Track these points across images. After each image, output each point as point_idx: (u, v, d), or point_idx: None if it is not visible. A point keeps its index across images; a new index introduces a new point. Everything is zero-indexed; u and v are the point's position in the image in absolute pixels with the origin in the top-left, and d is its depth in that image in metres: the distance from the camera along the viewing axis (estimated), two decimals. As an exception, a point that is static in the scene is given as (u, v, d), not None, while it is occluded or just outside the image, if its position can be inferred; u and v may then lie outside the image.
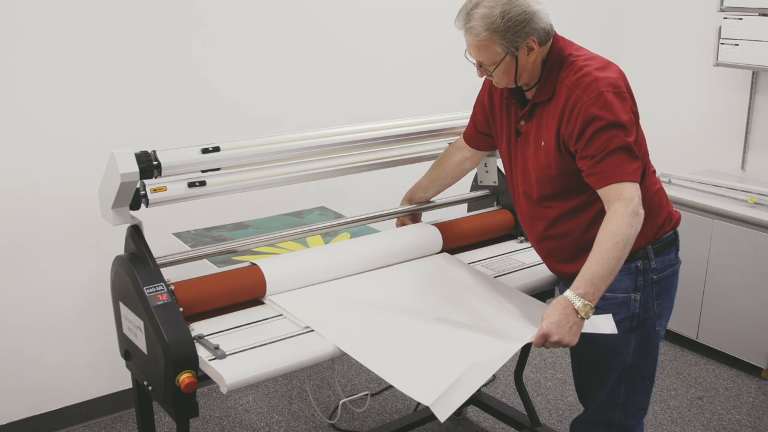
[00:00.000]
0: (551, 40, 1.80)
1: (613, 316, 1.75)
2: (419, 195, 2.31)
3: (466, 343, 1.75)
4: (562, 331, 1.62)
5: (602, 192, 1.72)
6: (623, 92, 1.74)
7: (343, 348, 1.72)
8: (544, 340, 1.64)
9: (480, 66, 1.81)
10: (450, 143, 2.29)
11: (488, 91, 2.01)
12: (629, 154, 1.71)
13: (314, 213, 2.75)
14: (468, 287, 2.04)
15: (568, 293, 1.66)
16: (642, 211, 1.70)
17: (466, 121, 2.18)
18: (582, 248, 1.87)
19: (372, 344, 1.75)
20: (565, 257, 1.93)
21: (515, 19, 1.70)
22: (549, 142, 1.80)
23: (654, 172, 1.91)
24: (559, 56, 1.79)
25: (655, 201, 1.87)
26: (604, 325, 1.70)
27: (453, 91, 3.38)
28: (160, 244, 1.91)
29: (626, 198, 1.68)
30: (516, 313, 1.89)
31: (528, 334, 1.72)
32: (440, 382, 1.58)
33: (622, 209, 1.67)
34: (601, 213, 1.80)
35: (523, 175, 1.92)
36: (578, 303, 1.63)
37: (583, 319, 1.65)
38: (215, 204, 1.99)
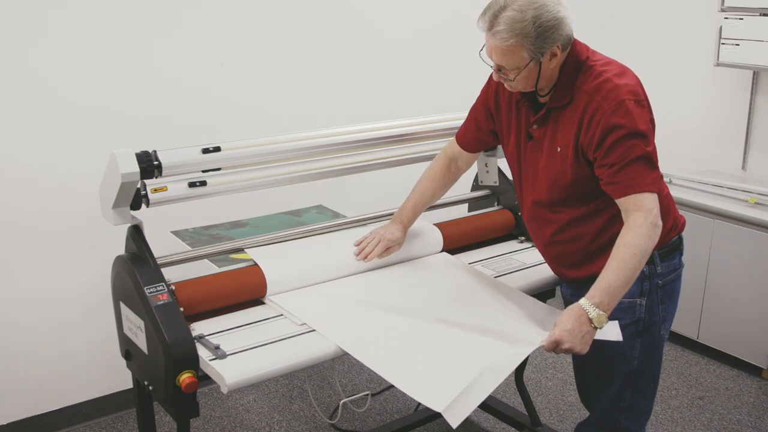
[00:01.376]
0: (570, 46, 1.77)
1: (619, 321, 1.73)
2: (417, 213, 2.15)
3: (475, 347, 1.73)
4: (574, 340, 1.62)
5: (621, 202, 1.70)
6: (642, 100, 1.72)
7: (352, 352, 1.70)
8: (555, 347, 1.63)
9: (499, 69, 1.76)
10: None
11: (494, 89, 1.96)
12: (648, 164, 1.69)
13: (311, 212, 2.75)
14: (470, 288, 2.03)
15: (583, 302, 1.64)
16: (660, 222, 1.69)
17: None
18: (590, 253, 1.86)
19: (380, 347, 1.74)
20: (572, 262, 1.92)
21: (546, 24, 1.66)
22: (566, 148, 1.77)
23: (661, 177, 1.89)
24: (576, 61, 1.76)
25: (663, 207, 1.83)
26: (610, 332, 1.69)
27: (453, 92, 3.38)
28: (158, 242, 1.90)
29: (646, 209, 1.67)
30: (522, 316, 1.88)
31: (538, 338, 1.71)
32: (451, 388, 1.57)
33: (641, 220, 1.66)
34: (612, 219, 1.79)
35: (533, 180, 1.89)
36: (593, 313, 1.63)
37: (596, 328, 1.64)
38: (213, 202, 1.99)
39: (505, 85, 1.81)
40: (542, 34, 1.67)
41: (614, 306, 1.66)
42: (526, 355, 1.67)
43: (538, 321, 1.84)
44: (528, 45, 1.68)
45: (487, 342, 1.75)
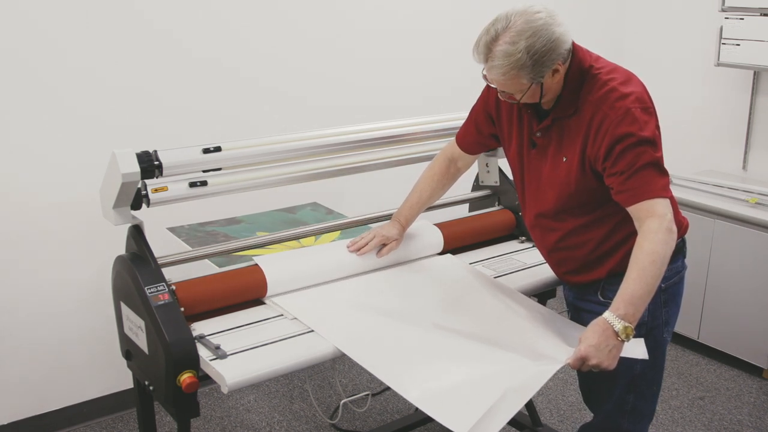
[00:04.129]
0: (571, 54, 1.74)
1: None
2: (415, 213, 2.14)
3: (498, 364, 1.68)
4: (601, 355, 1.57)
5: (633, 209, 1.67)
6: (649, 107, 1.70)
7: (372, 370, 1.66)
8: (582, 363, 1.59)
9: (502, 91, 1.75)
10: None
11: (495, 94, 1.91)
12: (658, 170, 1.67)
13: (306, 209, 2.76)
14: (480, 296, 2.00)
15: (607, 315, 1.60)
16: (675, 228, 1.66)
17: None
18: (594, 260, 1.85)
19: (394, 358, 1.70)
20: (575, 267, 1.90)
21: (541, 51, 1.62)
22: (572, 159, 1.76)
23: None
24: (579, 69, 1.73)
25: None
26: (635, 349, 1.65)
27: (453, 91, 3.39)
28: (154, 239, 1.89)
29: (659, 214, 1.64)
30: (542, 328, 1.85)
31: (563, 355, 1.67)
32: (474, 409, 1.51)
33: (656, 226, 1.63)
34: (617, 226, 1.78)
35: (536, 188, 1.88)
36: (618, 325, 1.58)
37: (622, 341, 1.59)
38: (208, 199, 1.99)
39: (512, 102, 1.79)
40: (538, 61, 1.64)
41: (639, 316, 1.61)
42: (551, 374, 1.62)
43: (557, 330, 1.81)
44: (526, 74, 1.65)
45: (510, 359, 1.69)
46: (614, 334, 1.59)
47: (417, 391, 1.59)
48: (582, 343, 1.59)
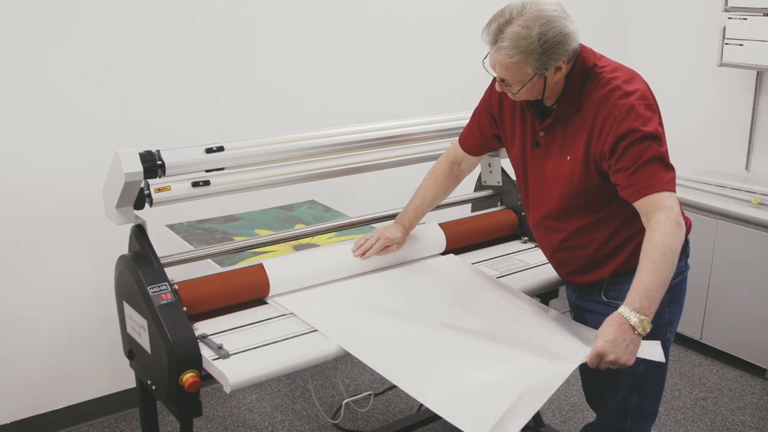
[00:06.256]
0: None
1: None
2: (419, 216, 2.13)
3: (512, 364, 1.65)
4: (619, 350, 1.55)
5: (639, 204, 1.67)
6: (652, 104, 1.71)
7: (384, 373, 1.64)
8: (599, 360, 1.56)
9: (502, 80, 1.74)
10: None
11: (498, 94, 1.92)
12: (663, 164, 1.67)
13: (304, 206, 2.76)
14: (485, 295, 1.99)
15: (622, 309, 1.58)
16: (683, 221, 1.65)
17: (466, 122, 2.11)
18: (598, 260, 1.85)
19: (407, 362, 1.68)
20: (579, 268, 1.90)
21: (551, 41, 1.63)
22: (575, 157, 1.76)
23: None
24: (583, 68, 1.74)
25: None
26: (652, 351, 1.63)
27: (454, 92, 3.38)
28: (152, 236, 1.89)
29: (666, 207, 1.63)
30: (548, 324, 1.83)
31: (578, 353, 1.65)
32: (492, 412, 1.49)
33: (664, 219, 1.62)
34: (621, 227, 1.78)
35: (540, 188, 1.88)
36: (634, 319, 1.56)
37: (640, 335, 1.56)
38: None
39: (509, 95, 1.79)
40: (547, 51, 1.64)
41: (655, 309, 1.59)
42: (568, 374, 1.59)
43: (571, 331, 1.80)
44: (532, 61, 1.65)
45: (525, 359, 1.67)
46: (631, 328, 1.57)
47: (433, 394, 1.57)
48: (598, 339, 1.57)
